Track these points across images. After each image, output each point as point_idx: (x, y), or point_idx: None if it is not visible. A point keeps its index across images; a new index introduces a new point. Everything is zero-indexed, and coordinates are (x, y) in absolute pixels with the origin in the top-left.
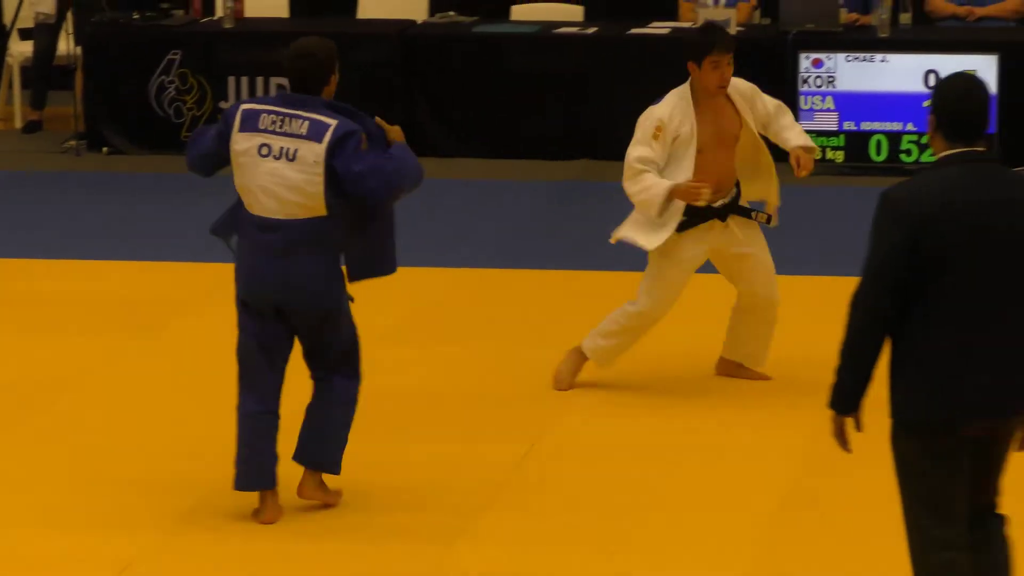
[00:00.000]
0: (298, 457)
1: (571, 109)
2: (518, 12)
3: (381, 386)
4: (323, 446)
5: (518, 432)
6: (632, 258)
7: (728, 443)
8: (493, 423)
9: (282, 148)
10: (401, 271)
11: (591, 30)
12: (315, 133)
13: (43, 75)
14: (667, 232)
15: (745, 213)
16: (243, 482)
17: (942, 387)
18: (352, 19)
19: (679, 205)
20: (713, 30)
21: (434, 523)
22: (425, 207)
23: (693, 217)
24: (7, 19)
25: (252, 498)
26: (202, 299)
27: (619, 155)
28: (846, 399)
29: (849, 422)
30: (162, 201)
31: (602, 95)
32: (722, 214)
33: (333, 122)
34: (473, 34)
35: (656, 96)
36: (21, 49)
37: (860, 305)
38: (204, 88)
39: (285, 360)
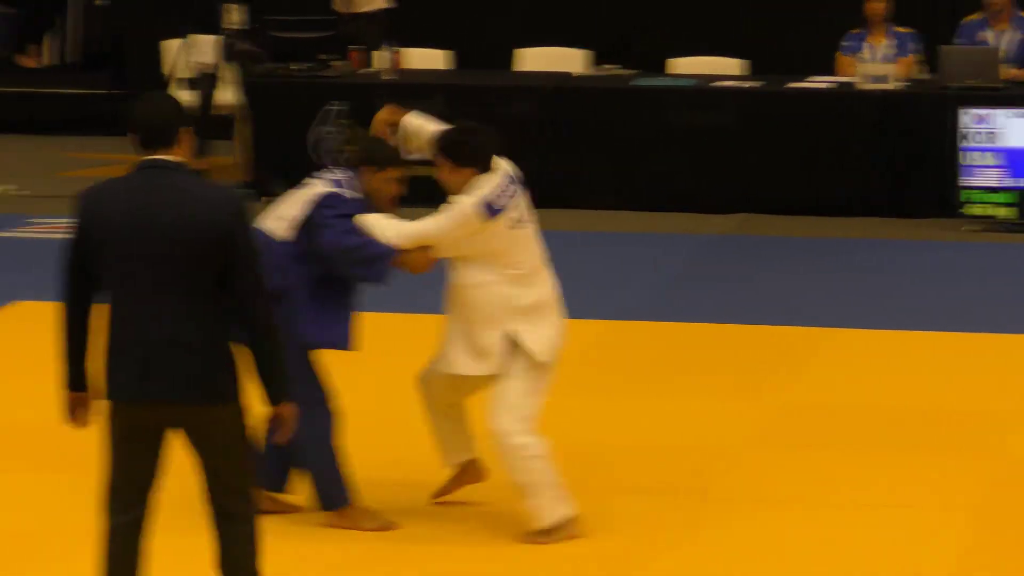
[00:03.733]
0: None
1: (729, 162)
2: (676, 65)
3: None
4: None
5: (683, 485)
6: (796, 314)
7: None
8: (662, 477)
9: None
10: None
11: (749, 84)
12: None
13: (201, 125)
14: None
15: None
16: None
17: (110, 369)
18: (508, 72)
19: None
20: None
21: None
22: (581, 259)
23: None
24: (167, 69)
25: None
26: None
27: (777, 208)
28: (63, 377)
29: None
30: None
31: (760, 149)
32: None
33: None
34: (630, 87)
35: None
36: (181, 98)
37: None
38: None
39: None
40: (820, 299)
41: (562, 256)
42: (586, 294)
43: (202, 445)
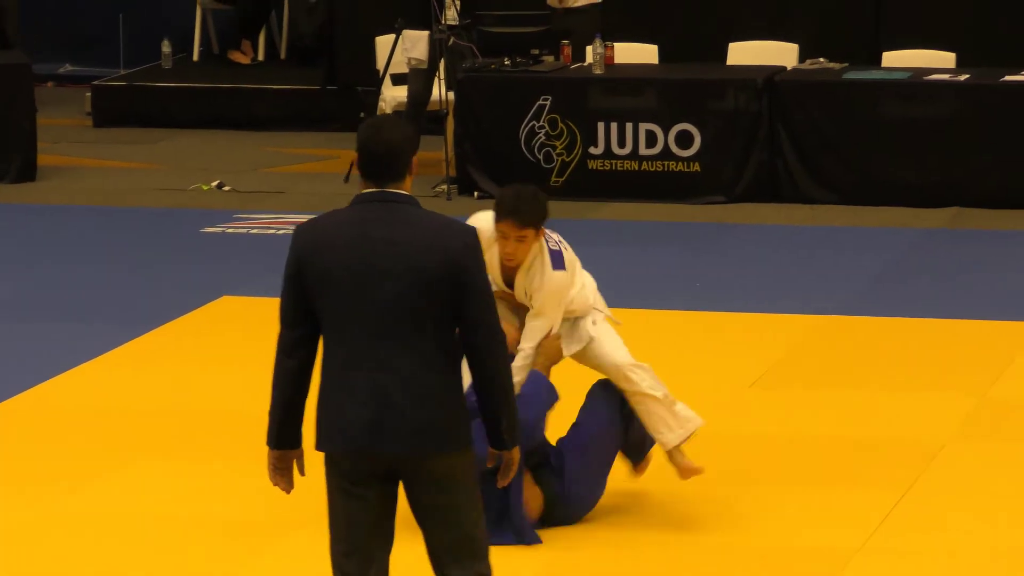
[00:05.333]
0: None
1: (942, 156)
2: (889, 59)
3: (750, 432)
4: None
5: (890, 478)
6: (1008, 309)
7: None
8: (865, 469)
9: None
10: (769, 317)
11: (963, 77)
12: None
13: (416, 120)
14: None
15: None
16: None
17: (332, 417)
18: (720, 65)
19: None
20: (506, 198)
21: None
22: (792, 254)
23: None
24: (379, 64)
25: None
26: None
27: (990, 203)
28: (269, 433)
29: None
30: None
31: (974, 142)
32: None
33: None
34: (844, 80)
35: None
36: (393, 94)
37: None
38: (574, 133)
39: None
40: None
41: (774, 251)
42: (797, 289)
43: (433, 497)
